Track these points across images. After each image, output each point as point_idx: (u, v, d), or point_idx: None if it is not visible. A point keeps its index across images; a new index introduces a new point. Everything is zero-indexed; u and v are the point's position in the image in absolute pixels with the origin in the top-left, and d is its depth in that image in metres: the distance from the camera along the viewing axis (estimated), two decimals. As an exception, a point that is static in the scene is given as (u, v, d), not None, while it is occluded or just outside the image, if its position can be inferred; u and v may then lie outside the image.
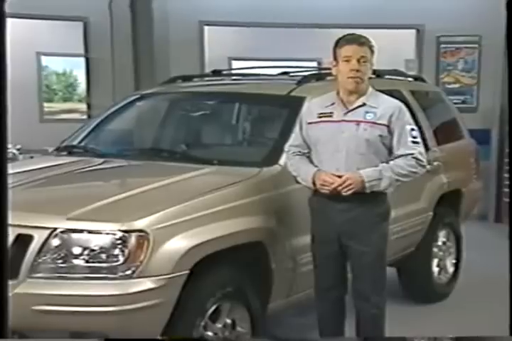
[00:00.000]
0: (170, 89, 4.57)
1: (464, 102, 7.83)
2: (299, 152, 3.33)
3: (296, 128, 3.38)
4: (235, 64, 9.30)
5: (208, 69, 7.70)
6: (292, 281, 3.51)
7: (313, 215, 3.35)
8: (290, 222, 3.43)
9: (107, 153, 3.98)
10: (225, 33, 8.67)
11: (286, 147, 3.42)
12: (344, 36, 3.22)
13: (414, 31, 8.01)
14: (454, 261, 5.08)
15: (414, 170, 3.22)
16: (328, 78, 4.15)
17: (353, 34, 3.24)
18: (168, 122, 4.42)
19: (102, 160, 3.89)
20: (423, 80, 5.39)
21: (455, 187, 4.96)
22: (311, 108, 3.36)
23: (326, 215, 3.28)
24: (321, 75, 4.24)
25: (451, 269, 5.05)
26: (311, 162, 3.29)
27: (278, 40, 9.01)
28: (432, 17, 7.70)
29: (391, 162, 3.20)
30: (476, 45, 7.96)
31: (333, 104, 3.26)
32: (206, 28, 7.74)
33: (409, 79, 5.23)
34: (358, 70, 3.13)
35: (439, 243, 4.91)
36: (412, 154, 3.20)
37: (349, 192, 3.12)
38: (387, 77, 4.72)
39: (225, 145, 4.20)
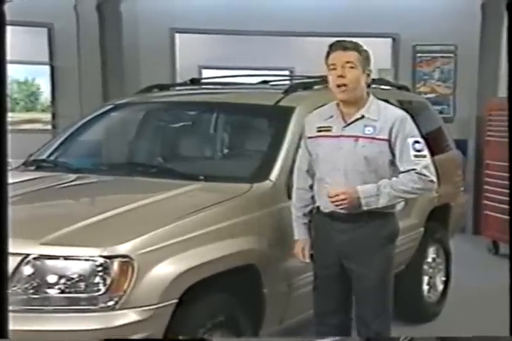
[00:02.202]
0: (146, 99, 4.28)
1: (440, 112, 7.66)
2: (310, 178, 3.09)
3: (302, 144, 3.13)
4: (205, 73, 9.05)
5: (177, 78, 7.45)
6: (286, 306, 3.25)
7: (314, 233, 3.12)
8: (284, 242, 3.17)
9: (81, 167, 3.67)
10: (194, 41, 8.41)
11: (296, 168, 3.16)
12: (331, 44, 3.00)
13: (389, 40, 7.86)
14: (443, 279, 4.87)
15: (418, 186, 2.97)
16: (316, 87, 3.95)
17: (339, 40, 3.00)
18: (146, 134, 4.12)
19: (75, 175, 3.57)
20: (407, 89, 5.21)
21: (445, 202, 4.77)
22: (311, 120, 3.11)
23: (326, 235, 3.05)
24: (308, 84, 4.00)
25: (440, 287, 4.85)
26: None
27: (249, 48, 8.80)
28: (407, 26, 7.58)
29: (393, 178, 2.97)
30: (452, 55, 7.86)
31: (332, 116, 3.02)
32: (177, 35, 7.45)
33: (390, 88, 5.04)
34: (342, 76, 2.89)
35: (429, 260, 4.71)
36: (415, 169, 2.96)
37: (341, 207, 2.89)
38: (373, 86, 4.50)
39: (211, 159, 3.92)
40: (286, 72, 8.88)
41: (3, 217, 1.18)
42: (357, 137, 2.94)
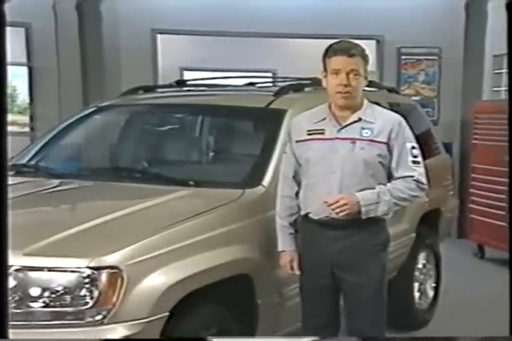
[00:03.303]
0: (131, 101, 4.11)
1: (425, 115, 7.62)
2: (296, 184, 2.95)
3: (287, 149, 2.99)
4: (187, 74, 8.93)
5: (159, 80, 7.30)
6: (278, 317, 3.13)
7: (302, 243, 2.98)
8: (276, 250, 3.04)
9: (64, 172, 3.52)
10: (175, 42, 8.27)
11: (280, 173, 3.02)
12: (334, 45, 2.83)
13: (374, 42, 7.77)
14: (433, 285, 4.79)
15: (414, 193, 2.89)
16: (307, 89, 3.84)
17: (342, 42, 2.84)
18: (131, 138, 3.97)
19: (57, 181, 3.41)
20: (397, 92, 5.13)
21: (435, 206, 4.69)
22: (299, 124, 2.97)
23: (318, 244, 2.92)
24: (299, 86, 3.89)
25: (431, 293, 4.76)
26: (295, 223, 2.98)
27: (230, 50, 8.69)
28: (391, 28, 7.49)
29: (389, 184, 2.86)
30: (436, 57, 7.79)
31: (324, 119, 2.89)
32: (159, 36, 7.28)
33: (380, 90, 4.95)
34: (346, 85, 2.76)
35: (420, 266, 4.61)
36: (412, 176, 2.86)
37: (342, 214, 2.76)
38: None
39: (200, 164, 3.78)
40: (269, 74, 8.79)
41: (3, 219, 1.18)
42: (354, 139, 2.83)
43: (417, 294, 4.60)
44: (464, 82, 7.57)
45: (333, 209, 2.77)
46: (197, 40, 8.43)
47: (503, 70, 8.16)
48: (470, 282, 5.63)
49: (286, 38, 8.23)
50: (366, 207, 2.78)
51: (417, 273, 4.56)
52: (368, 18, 7.41)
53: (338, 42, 2.85)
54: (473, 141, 6.90)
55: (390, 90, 5.03)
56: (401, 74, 7.76)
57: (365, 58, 2.84)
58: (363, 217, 2.80)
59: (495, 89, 8.31)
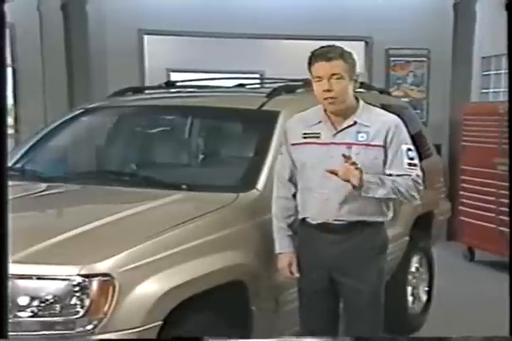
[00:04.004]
0: (120, 103, 4.01)
1: (414, 117, 7.57)
2: (293, 186, 2.88)
3: (283, 150, 2.92)
4: (174, 75, 8.84)
5: (146, 82, 7.20)
6: (274, 323, 3.06)
7: (300, 247, 2.92)
8: (271, 256, 2.97)
9: (51, 176, 3.42)
10: (162, 42, 8.17)
11: (276, 174, 2.96)
12: (314, 51, 2.78)
13: (362, 43, 7.72)
14: (426, 289, 4.73)
15: (412, 193, 2.81)
16: (299, 91, 3.78)
17: (322, 47, 2.77)
18: (120, 140, 3.88)
19: (45, 185, 3.31)
20: (388, 93, 5.08)
21: (428, 209, 4.63)
22: (294, 126, 2.91)
23: (315, 248, 2.87)
24: (291, 87, 3.82)
25: (424, 298, 4.70)
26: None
27: (217, 51, 8.63)
28: (380, 29, 7.45)
29: (388, 177, 2.78)
30: (425, 59, 7.76)
31: (319, 122, 2.83)
32: (146, 37, 7.18)
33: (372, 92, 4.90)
34: (329, 90, 2.70)
35: (413, 269, 4.56)
36: (410, 175, 2.80)
37: (346, 176, 2.62)
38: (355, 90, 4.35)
39: (191, 167, 3.70)
40: (257, 76, 8.74)
41: (3, 217, 1.11)
42: (350, 144, 2.77)
43: (410, 298, 4.54)
44: (452, 83, 7.54)
45: (336, 175, 2.64)
46: (183, 41, 8.34)
47: (491, 72, 8.16)
48: (460, 284, 5.60)
49: (273, 39, 8.16)
50: (368, 184, 2.68)
51: (410, 276, 4.51)
52: (356, 19, 7.37)
53: (318, 48, 2.79)
54: (463, 143, 6.87)
55: (382, 92, 4.98)
56: (390, 76, 7.71)
57: (346, 60, 2.75)
58: (362, 193, 2.70)
59: (483, 90, 8.30)
